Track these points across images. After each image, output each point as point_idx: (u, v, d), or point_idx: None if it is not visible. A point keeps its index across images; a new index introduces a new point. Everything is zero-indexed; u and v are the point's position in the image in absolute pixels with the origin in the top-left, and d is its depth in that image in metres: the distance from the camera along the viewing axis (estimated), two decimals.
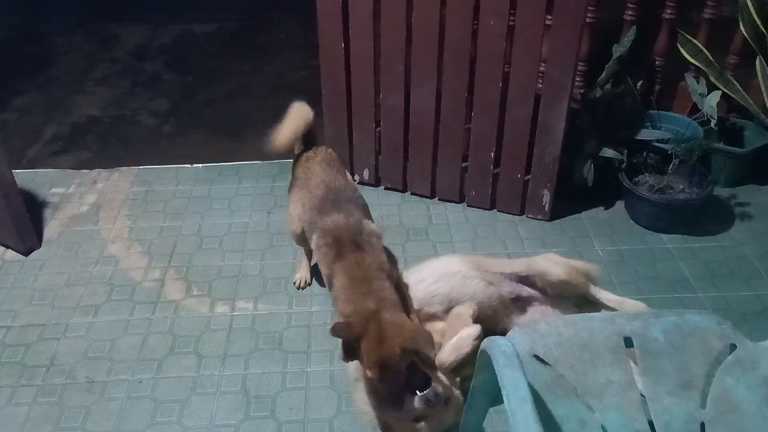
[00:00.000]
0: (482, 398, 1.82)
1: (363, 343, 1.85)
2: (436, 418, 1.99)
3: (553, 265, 2.32)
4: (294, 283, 2.68)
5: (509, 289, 2.28)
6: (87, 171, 3.47)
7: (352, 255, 2.03)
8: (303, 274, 2.69)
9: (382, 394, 1.94)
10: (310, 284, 2.69)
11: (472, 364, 1.73)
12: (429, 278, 2.24)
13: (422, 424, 1.98)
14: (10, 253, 2.89)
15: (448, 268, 2.27)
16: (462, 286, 2.21)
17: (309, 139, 2.54)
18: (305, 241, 2.53)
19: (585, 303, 2.36)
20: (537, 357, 1.56)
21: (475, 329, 2.10)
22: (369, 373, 1.89)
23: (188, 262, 2.84)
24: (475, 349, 2.10)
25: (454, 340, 2.10)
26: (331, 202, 2.21)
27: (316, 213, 2.22)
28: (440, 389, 1.94)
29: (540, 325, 1.67)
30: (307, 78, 4.24)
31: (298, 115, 2.47)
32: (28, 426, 2.16)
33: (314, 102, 3.20)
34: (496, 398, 1.58)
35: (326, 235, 2.11)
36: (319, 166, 2.40)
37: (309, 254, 2.66)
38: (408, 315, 2.08)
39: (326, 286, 2.15)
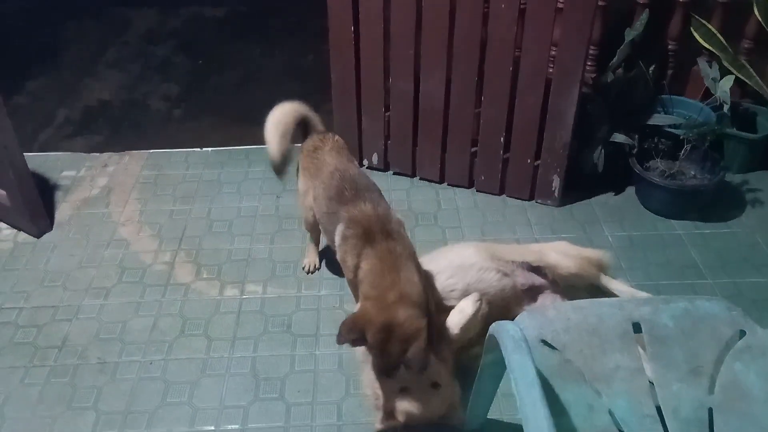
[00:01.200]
0: (490, 382, 1.82)
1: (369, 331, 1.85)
2: (421, 397, 1.98)
3: (563, 258, 2.30)
4: (303, 268, 2.69)
5: (522, 280, 2.27)
6: (98, 154, 3.48)
7: (384, 243, 1.99)
8: (311, 258, 2.69)
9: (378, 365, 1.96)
10: (319, 269, 2.69)
11: (481, 343, 1.73)
12: (446, 271, 2.23)
13: (406, 398, 1.97)
14: (23, 236, 2.91)
15: (464, 260, 2.25)
16: (479, 280, 2.20)
17: (306, 128, 2.50)
18: (317, 228, 2.51)
19: (597, 291, 2.35)
20: (545, 342, 1.56)
21: (475, 294, 2.12)
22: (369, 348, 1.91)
23: (198, 245, 2.85)
24: (477, 312, 2.11)
25: (457, 306, 2.13)
26: (352, 192, 2.15)
27: (335, 203, 2.17)
28: (428, 358, 1.93)
29: (548, 310, 1.67)
30: (317, 63, 4.21)
31: (277, 124, 2.40)
32: (41, 406, 2.19)
33: (324, 87, 3.22)
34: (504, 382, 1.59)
35: (355, 226, 2.05)
36: (329, 155, 2.35)
37: (317, 240, 2.66)
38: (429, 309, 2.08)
39: (346, 274, 2.13)
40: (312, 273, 2.68)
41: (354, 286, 2.08)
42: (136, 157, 3.46)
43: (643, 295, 2.36)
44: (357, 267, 2.01)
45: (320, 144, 2.41)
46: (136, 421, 2.14)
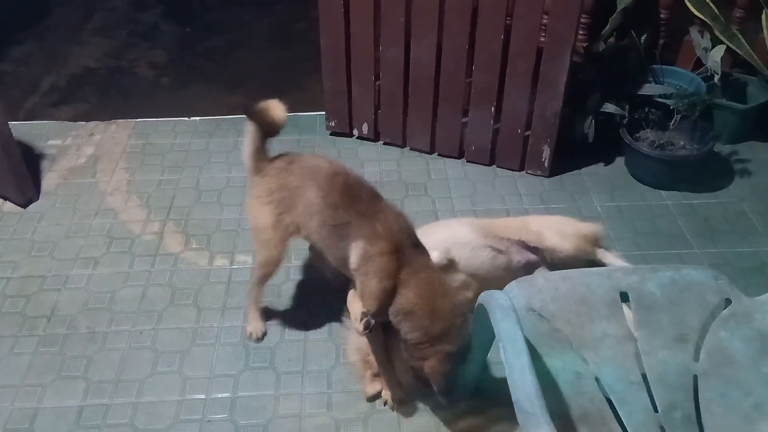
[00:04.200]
0: (479, 350, 1.84)
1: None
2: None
3: (561, 240, 2.27)
4: (249, 336, 2.29)
5: (519, 257, 2.27)
6: (84, 123, 3.44)
7: (418, 259, 1.88)
8: (257, 325, 2.30)
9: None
10: (266, 333, 2.32)
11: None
12: (438, 248, 2.20)
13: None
14: (9, 205, 2.88)
15: (458, 238, 2.23)
16: (471, 257, 2.19)
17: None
18: (270, 275, 2.22)
19: (593, 265, 2.35)
20: (534, 310, 1.57)
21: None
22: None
23: (187, 215, 2.84)
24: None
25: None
26: (366, 200, 1.94)
27: (344, 212, 1.92)
28: None
29: (537, 280, 1.68)
30: (308, 30, 4.17)
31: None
32: (31, 374, 2.19)
33: (313, 55, 3.18)
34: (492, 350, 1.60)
35: (382, 242, 1.85)
36: (316, 159, 2.09)
37: (260, 295, 2.30)
38: None
39: (369, 294, 1.87)
40: (261, 340, 2.29)
41: (405, 311, 1.85)
42: (123, 125, 3.42)
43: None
44: (389, 290, 1.84)
45: (291, 158, 2.11)
46: (126, 389, 2.15)
